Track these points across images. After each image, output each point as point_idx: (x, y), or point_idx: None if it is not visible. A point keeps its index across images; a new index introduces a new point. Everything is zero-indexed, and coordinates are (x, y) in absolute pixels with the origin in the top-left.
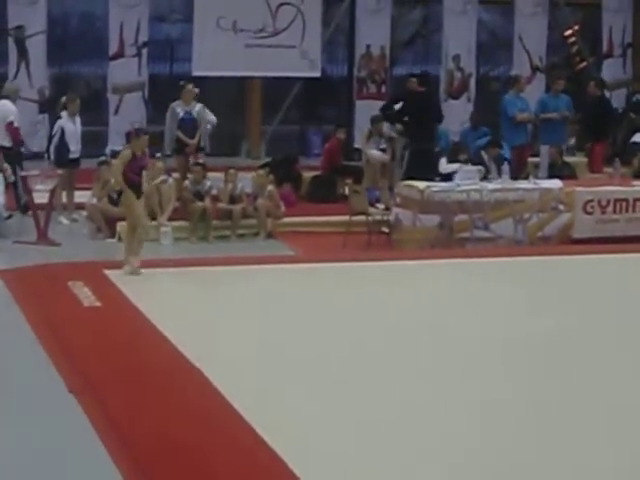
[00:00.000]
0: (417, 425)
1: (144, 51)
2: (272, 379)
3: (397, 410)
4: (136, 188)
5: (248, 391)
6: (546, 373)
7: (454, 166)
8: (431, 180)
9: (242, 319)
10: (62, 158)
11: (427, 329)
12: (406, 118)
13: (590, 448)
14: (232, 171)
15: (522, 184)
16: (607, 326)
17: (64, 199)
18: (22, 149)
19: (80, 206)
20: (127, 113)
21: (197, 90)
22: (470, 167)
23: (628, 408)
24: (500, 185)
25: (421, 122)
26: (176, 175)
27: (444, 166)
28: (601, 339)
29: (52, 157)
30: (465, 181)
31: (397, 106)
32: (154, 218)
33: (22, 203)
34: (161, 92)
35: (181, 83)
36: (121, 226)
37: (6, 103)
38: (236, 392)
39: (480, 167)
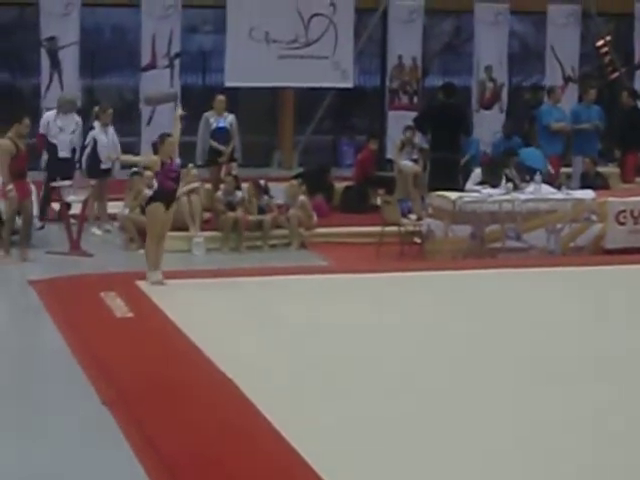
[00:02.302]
0: (451, 435)
1: (176, 62)
2: (307, 392)
3: (431, 417)
4: (169, 196)
5: (282, 404)
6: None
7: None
8: (454, 190)
9: (275, 330)
10: (94, 169)
11: (462, 339)
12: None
13: None
14: (262, 180)
15: (554, 194)
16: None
17: (96, 210)
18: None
19: (113, 217)
20: (159, 124)
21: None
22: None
23: None
24: (532, 195)
25: (444, 132)
26: (208, 186)
27: (471, 182)
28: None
29: (84, 167)
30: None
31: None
32: (186, 229)
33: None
34: (194, 103)
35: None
36: None
37: (48, 114)
38: (271, 405)
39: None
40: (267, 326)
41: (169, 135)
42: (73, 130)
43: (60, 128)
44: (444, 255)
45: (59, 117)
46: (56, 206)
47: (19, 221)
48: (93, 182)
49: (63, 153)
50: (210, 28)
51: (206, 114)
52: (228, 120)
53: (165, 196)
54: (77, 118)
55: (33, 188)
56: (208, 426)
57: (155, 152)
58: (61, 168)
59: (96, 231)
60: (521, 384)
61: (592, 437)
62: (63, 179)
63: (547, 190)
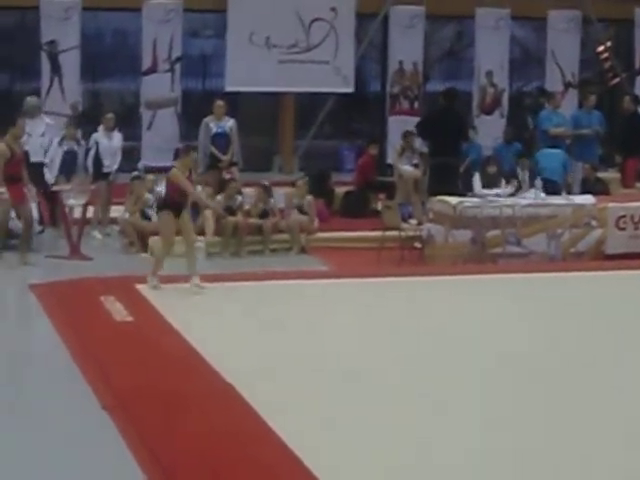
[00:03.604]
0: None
1: (177, 67)
2: (309, 398)
3: (432, 426)
4: (176, 206)
5: (284, 410)
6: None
7: (485, 191)
8: (454, 195)
9: (275, 333)
10: (97, 172)
11: (462, 344)
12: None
13: None
14: (265, 184)
15: (555, 200)
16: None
17: (99, 214)
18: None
19: (113, 221)
20: (160, 128)
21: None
22: (501, 190)
23: None
24: (533, 201)
25: (445, 137)
26: (209, 190)
27: (477, 185)
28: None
29: (90, 171)
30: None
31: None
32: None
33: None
34: (194, 108)
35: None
36: (153, 241)
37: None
38: (272, 411)
39: (510, 186)
40: (267, 330)
41: (195, 149)
42: (42, 133)
43: (28, 134)
44: (444, 260)
45: (27, 123)
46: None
47: (19, 224)
48: (94, 186)
49: (35, 158)
50: (211, 32)
51: (206, 119)
52: (228, 125)
53: (172, 206)
54: (46, 119)
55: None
56: (207, 431)
57: (175, 158)
58: (34, 173)
59: (96, 235)
60: (519, 386)
61: None
62: (37, 185)
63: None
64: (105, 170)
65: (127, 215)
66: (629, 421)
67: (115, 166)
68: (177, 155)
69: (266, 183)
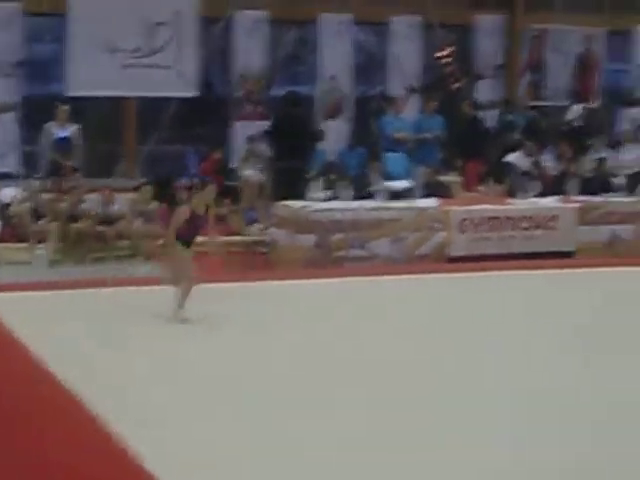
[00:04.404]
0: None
1: (18, 71)
2: (153, 402)
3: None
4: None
5: (124, 413)
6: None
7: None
8: (298, 199)
9: (113, 340)
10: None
11: (301, 349)
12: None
13: None
14: (105, 190)
15: (398, 203)
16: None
17: None
18: None
19: None
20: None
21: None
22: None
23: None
24: (377, 204)
25: (288, 142)
26: (50, 197)
27: (317, 193)
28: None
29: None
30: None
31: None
32: (27, 240)
33: None
34: (35, 113)
35: (56, 104)
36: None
37: None
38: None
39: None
40: (105, 336)
41: (211, 182)
42: None
43: None
44: (289, 264)
45: None
46: None
47: None
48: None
49: None
50: (53, 36)
51: (47, 124)
52: (70, 130)
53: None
54: None
55: None
56: (44, 434)
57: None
58: None
59: None
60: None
61: None
62: None
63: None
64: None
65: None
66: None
67: None
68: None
69: (109, 189)
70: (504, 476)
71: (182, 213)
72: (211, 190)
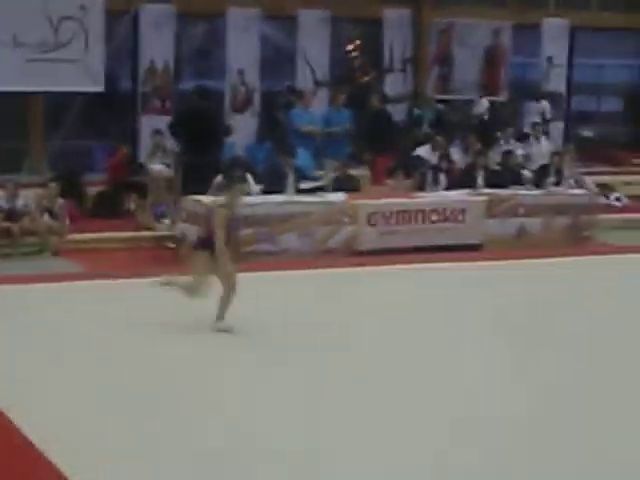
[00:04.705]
0: None
1: None
2: (67, 408)
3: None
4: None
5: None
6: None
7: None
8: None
9: (22, 338)
10: None
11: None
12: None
13: None
14: (10, 185)
15: (307, 197)
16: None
17: None
18: None
19: None
20: None
21: None
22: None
23: None
24: (286, 199)
25: (197, 136)
26: None
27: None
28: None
29: None
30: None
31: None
32: None
33: None
34: None
35: None
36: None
37: None
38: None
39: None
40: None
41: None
42: None
43: None
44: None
45: None
46: None
47: None
48: None
49: None
50: None
51: None
52: None
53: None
54: None
55: None
56: None
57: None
58: None
59: None
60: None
61: None
62: None
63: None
64: None
65: None
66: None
67: None
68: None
69: (14, 184)
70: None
71: (222, 215)
72: (239, 190)
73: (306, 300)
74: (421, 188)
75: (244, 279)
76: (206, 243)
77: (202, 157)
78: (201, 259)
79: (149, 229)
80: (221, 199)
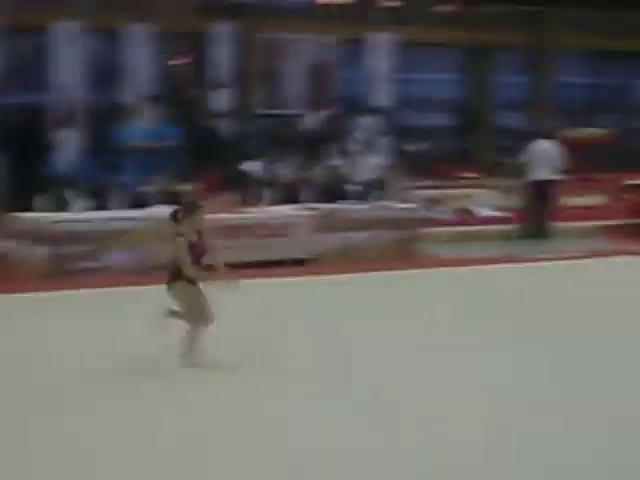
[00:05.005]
0: None
1: None
2: None
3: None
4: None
5: None
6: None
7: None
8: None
9: None
10: None
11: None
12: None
13: None
14: None
15: (134, 213)
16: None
17: None
18: None
19: None
20: None
21: None
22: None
23: None
24: (112, 215)
25: (19, 152)
26: None
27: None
28: None
29: None
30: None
31: None
32: None
33: None
34: None
35: None
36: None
37: None
38: None
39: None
40: None
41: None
42: None
43: None
44: (24, 277)
45: None
46: None
47: None
48: None
49: None
50: None
51: None
52: None
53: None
54: None
55: None
56: None
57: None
58: None
59: None
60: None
61: None
62: None
63: None
64: None
65: None
66: None
67: None
68: (177, 215)
69: None
70: None
71: (181, 243)
72: (202, 214)
73: (122, 317)
74: (248, 203)
75: (61, 297)
76: (176, 274)
77: (26, 173)
78: (184, 289)
79: None
80: (178, 227)
